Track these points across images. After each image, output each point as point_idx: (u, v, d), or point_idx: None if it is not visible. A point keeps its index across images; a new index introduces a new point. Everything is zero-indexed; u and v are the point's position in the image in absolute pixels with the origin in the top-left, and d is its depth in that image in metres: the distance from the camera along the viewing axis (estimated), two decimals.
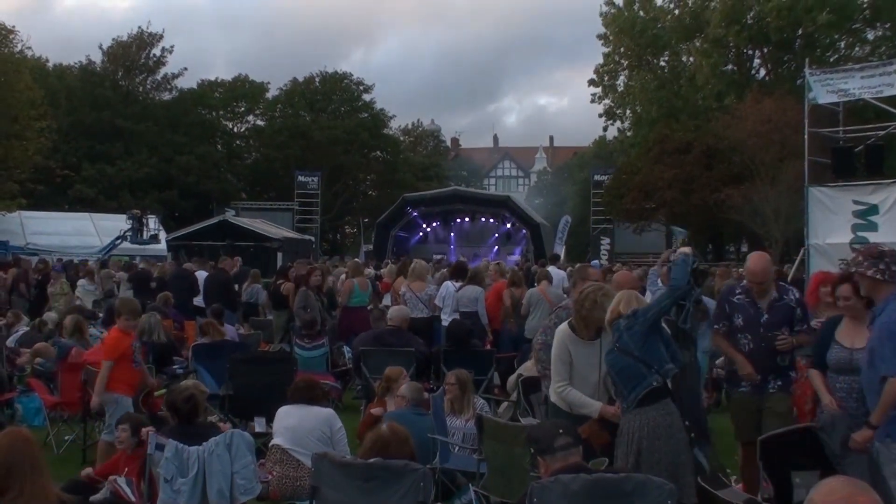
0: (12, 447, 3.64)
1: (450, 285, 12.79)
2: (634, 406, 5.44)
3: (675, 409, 5.48)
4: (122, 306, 8.38)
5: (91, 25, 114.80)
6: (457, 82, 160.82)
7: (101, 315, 15.58)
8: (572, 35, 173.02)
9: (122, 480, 6.29)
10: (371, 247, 42.35)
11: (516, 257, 36.75)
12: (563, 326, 6.30)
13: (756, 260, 6.79)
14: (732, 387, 6.97)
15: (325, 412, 7.42)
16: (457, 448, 7.68)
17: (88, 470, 6.87)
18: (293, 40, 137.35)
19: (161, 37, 50.94)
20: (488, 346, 11.84)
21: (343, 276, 15.66)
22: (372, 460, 4.96)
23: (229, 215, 36.91)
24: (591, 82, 44.03)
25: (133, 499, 6.16)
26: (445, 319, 12.19)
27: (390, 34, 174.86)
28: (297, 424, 7.24)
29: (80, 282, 20.25)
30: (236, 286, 17.40)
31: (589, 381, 6.02)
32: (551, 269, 15.87)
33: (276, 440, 7.32)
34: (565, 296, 11.28)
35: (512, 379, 9.44)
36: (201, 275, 17.29)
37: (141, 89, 52.50)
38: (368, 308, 13.61)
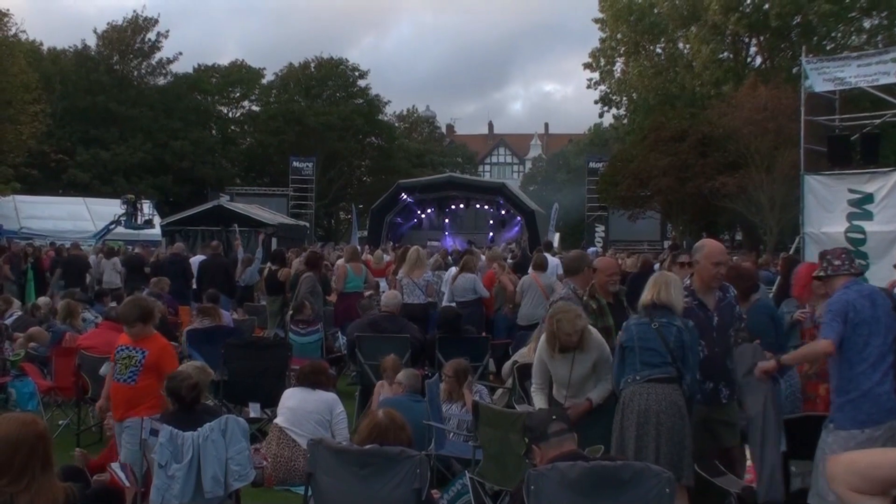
0: (26, 443, 3.56)
1: (455, 271, 12.86)
2: (644, 381, 5.58)
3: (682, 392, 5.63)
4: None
5: (105, 11, 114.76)
6: (465, 70, 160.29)
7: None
8: (581, 22, 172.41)
9: (115, 466, 6.27)
10: (365, 233, 42.33)
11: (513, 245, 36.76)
12: (543, 341, 6.56)
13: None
14: None
15: (328, 396, 7.59)
16: (452, 434, 7.68)
17: (80, 450, 6.85)
18: (304, 27, 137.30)
19: (156, 21, 50.69)
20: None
21: (339, 262, 15.62)
22: (368, 447, 4.93)
23: (224, 200, 36.81)
24: (587, 66, 43.92)
25: (127, 484, 6.14)
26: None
27: (401, 21, 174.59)
28: (297, 405, 7.43)
29: None
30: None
31: (562, 385, 6.45)
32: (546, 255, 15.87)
33: (276, 419, 7.59)
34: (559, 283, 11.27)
35: (507, 366, 9.43)
36: (196, 260, 17.33)
37: (136, 74, 52.16)
38: (366, 294, 13.61)
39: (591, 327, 6.37)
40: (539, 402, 6.51)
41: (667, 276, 6.17)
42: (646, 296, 5.92)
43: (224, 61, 59.45)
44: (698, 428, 6.04)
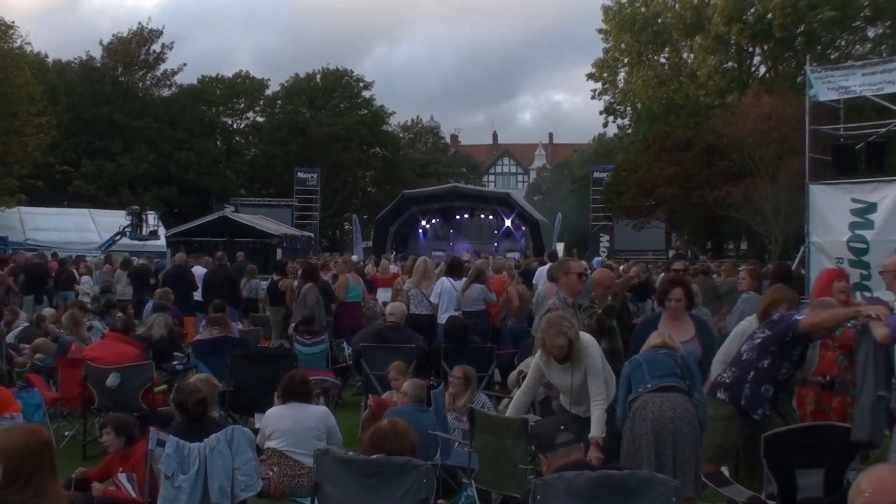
0: (34, 449, 3.59)
1: (446, 282, 12.69)
2: (655, 389, 5.53)
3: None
4: None
5: (118, 24, 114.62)
6: (472, 81, 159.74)
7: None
8: (588, 32, 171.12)
9: (122, 476, 6.27)
10: (370, 243, 42.37)
11: (516, 254, 36.75)
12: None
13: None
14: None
15: (321, 410, 7.52)
16: (457, 444, 7.66)
17: (81, 469, 6.79)
18: (315, 39, 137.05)
19: (161, 33, 50.93)
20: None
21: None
22: (374, 457, 4.93)
23: (228, 211, 36.91)
24: (590, 76, 44.05)
25: (134, 495, 6.14)
26: (442, 317, 12.12)
27: (411, 33, 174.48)
28: (294, 426, 7.19)
29: (84, 278, 20.26)
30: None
31: (565, 392, 6.47)
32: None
33: (270, 443, 7.20)
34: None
35: (513, 375, 9.41)
36: (198, 270, 17.34)
37: (140, 85, 52.39)
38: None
39: (582, 334, 6.36)
40: (514, 407, 6.53)
41: (668, 332, 6.26)
42: (652, 341, 6.00)
43: (233, 72, 59.87)
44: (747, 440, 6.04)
